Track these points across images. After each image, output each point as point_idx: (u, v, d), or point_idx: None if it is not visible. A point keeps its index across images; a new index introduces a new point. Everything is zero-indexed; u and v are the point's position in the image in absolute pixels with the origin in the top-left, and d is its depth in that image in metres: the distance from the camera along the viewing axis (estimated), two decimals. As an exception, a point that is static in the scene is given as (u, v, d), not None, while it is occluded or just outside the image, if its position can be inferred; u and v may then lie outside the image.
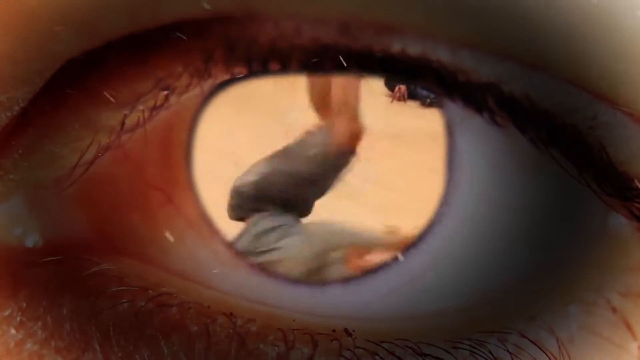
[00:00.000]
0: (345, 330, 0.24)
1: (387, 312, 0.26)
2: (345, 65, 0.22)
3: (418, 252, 0.27)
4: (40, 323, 0.23)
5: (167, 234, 0.26)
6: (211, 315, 0.23)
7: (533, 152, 0.23)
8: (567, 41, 0.20)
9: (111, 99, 0.22)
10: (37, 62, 0.21)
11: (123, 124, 0.24)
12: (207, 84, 0.23)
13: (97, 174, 0.25)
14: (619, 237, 0.25)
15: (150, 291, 0.23)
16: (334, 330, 0.24)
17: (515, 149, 0.26)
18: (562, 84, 0.21)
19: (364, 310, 0.27)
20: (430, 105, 0.26)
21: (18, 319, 0.23)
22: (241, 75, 0.23)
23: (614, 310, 0.24)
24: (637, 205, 0.23)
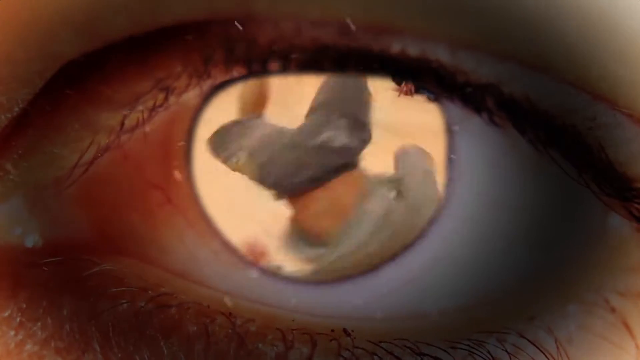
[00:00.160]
0: (344, 330, 0.24)
1: (387, 312, 0.26)
2: (345, 65, 0.22)
3: (418, 252, 0.27)
4: (40, 324, 0.23)
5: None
6: (210, 315, 0.23)
7: (533, 153, 0.23)
8: (566, 42, 0.20)
9: (111, 99, 0.22)
10: (37, 62, 0.21)
11: (122, 124, 0.24)
12: (207, 84, 0.23)
13: (97, 174, 0.25)
14: (618, 238, 0.25)
15: (149, 291, 0.24)
16: (332, 330, 0.24)
17: (515, 150, 0.26)
18: (561, 85, 0.21)
19: (363, 310, 0.27)
20: (436, 100, 0.26)
21: (18, 319, 0.23)
22: (241, 76, 0.23)
23: (613, 310, 0.24)
24: (636, 205, 0.23)
